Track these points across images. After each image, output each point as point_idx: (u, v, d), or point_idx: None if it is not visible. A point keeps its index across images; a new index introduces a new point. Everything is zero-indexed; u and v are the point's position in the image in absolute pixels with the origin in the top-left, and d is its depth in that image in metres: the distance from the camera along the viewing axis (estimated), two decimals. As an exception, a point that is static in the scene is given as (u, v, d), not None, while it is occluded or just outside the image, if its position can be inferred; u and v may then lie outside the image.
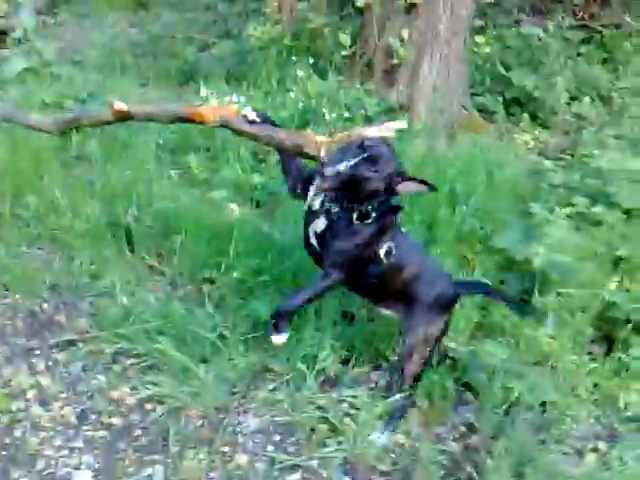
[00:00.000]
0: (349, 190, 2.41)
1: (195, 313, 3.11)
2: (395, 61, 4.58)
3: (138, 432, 2.59)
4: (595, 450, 2.66)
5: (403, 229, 2.69)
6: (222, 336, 2.98)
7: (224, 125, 2.71)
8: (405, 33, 4.55)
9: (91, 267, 3.44)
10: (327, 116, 4.36)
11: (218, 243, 3.45)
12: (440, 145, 4.39)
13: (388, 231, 2.57)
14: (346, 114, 4.42)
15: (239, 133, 2.74)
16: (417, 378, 2.65)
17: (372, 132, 2.31)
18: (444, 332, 2.72)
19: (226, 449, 2.53)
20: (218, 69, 5.90)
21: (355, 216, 2.50)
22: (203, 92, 4.68)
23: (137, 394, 2.74)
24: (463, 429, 2.72)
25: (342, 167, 2.31)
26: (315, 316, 3.04)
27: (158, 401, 2.71)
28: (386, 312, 2.78)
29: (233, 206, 3.88)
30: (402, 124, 2.36)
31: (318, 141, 2.35)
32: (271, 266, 3.29)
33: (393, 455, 2.57)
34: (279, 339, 2.59)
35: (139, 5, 9.07)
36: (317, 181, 2.47)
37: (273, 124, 2.66)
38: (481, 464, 2.51)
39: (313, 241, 2.63)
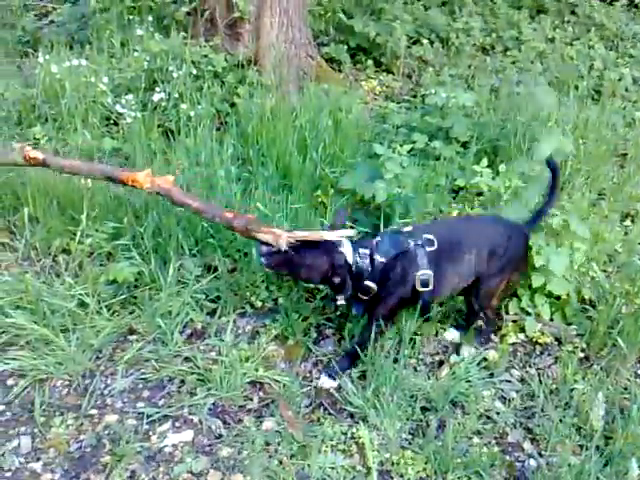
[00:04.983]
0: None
1: (53, 285, 3.07)
2: (237, 15, 4.56)
3: (1, 407, 2.55)
4: (444, 362, 2.92)
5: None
6: (83, 304, 2.97)
7: (162, 194, 2.85)
8: (243, -14, 4.50)
9: (-64, 252, 3.27)
10: (175, 74, 4.29)
11: (70, 212, 3.39)
12: (290, 97, 4.46)
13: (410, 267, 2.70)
14: (194, 71, 4.38)
15: (179, 205, 2.89)
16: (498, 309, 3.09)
17: (329, 235, 2.59)
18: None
19: (94, 412, 2.56)
20: (59, 36, 5.62)
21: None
22: (42, 60, 4.46)
23: (-3, 371, 2.70)
24: (326, 360, 2.89)
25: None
26: (178, 272, 3.09)
27: (20, 375, 2.67)
28: None
29: (85, 174, 3.77)
30: (350, 232, 2.64)
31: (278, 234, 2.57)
32: (128, 229, 3.28)
33: (261, 393, 2.70)
34: (330, 384, 2.77)
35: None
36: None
37: None
38: (344, 389, 2.70)
39: None
